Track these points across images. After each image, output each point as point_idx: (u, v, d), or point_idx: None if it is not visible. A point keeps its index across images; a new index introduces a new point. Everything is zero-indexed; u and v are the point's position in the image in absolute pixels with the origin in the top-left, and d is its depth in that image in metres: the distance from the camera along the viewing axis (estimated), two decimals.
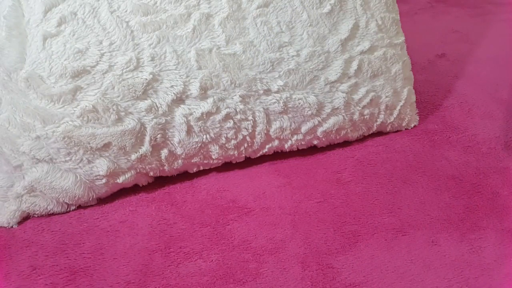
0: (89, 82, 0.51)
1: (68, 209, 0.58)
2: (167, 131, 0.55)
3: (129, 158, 0.55)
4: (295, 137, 0.62)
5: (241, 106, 0.57)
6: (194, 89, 0.54)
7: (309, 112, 0.60)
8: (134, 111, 0.53)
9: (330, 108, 0.61)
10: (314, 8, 0.58)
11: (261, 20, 0.56)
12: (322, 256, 0.51)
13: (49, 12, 0.50)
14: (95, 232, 0.55)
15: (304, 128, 0.62)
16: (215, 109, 0.55)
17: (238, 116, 0.57)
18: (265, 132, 0.60)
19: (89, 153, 0.53)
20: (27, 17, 0.50)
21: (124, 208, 0.58)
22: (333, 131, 0.64)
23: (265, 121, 0.59)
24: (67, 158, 0.53)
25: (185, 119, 0.55)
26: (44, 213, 0.57)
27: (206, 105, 0.55)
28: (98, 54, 0.51)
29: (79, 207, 0.59)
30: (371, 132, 0.69)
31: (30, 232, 0.55)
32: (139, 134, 0.54)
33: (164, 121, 0.54)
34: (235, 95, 0.56)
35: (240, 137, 0.59)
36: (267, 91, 0.57)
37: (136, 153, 0.55)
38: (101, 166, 0.54)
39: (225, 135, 0.58)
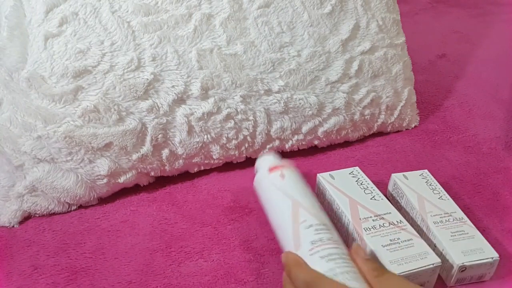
0: (90, 82, 0.51)
1: (69, 209, 0.58)
2: (168, 131, 0.55)
3: (130, 158, 0.55)
4: (295, 137, 0.63)
5: (242, 106, 0.57)
6: (195, 89, 0.54)
7: (310, 112, 0.60)
8: (135, 111, 0.53)
9: (331, 108, 0.61)
10: (315, 8, 0.58)
11: (262, 20, 0.56)
12: None
13: (51, 12, 0.50)
14: (96, 231, 0.55)
15: (304, 128, 0.62)
16: (216, 109, 0.56)
17: (239, 116, 0.57)
18: (266, 132, 0.60)
19: (90, 153, 0.53)
20: (29, 17, 0.50)
21: (125, 208, 0.58)
22: (334, 131, 0.64)
23: (266, 121, 0.59)
24: (68, 158, 0.53)
25: (186, 119, 0.55)
26: (45, 212, 0.57)
27: (207, 105, 0.55)
28: (100, 54, 0.51)
29: (80, 206, 0.59)
30: (371, 132, 0.69)
31: (31, 231, 0.55)
32: (140, 134, 0.54)
33: (165, 121, 0.54)
34: (236, 95, 0.56)
35: (241, 137, 0.59)
36: (268, 91, 0.57)
37: (137, 153, 0.55)
38: (102, 166, 0.54)
39: (226, 135, 0.58)
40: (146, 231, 0.55)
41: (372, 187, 0.53)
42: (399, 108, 0.68)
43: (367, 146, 0.68)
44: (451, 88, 0.82)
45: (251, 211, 0.57)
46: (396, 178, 0.56)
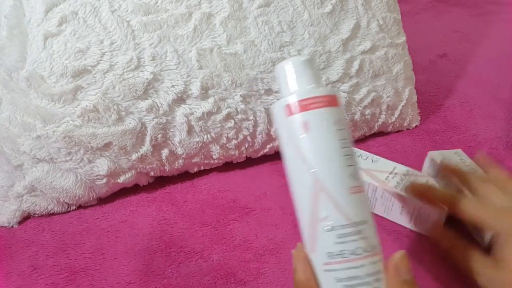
0: (90, 81, 0.51)
1: (69, 209, 0.58)
2: (168, 131, 0.55)
3: (129, 158, 0.55)
4: None
5: (242, 106, 0.56)
6: (195, 88, 0.54)
7: None
8: (135, 111, 0.53)
9: None
10: (316, 7, 0.58)
11: (262, 19, 0.56)
12: None
13: (50, 11, 0.50)
14: (96, 232, 0.55)
15: None
16: (216, 108, 0.55)
17: (239, 116, 0.57)
18: (266, 132, 0.60)
19: (89, 153, 0.53)
20: (28, 17, 0.50)
21: (124, 208, 0.58)
22: None
23: (266, 121, 0.59)
24: (68, 158, 0.53)
25: (186, 119, 0.55)
26: (44, 212, 0.57)
27: (207, 105, 0.55)
28: (99, 53, 0.50)
29: (80, 207, 0.58)
30: (372, 132, 0.69)
31: (30, 232, 0.55)
32: (139, 134, 0.54)
33: (165, 120, 0.54)
34: (236, 94, 0.56)
35: (241, 137, 0.59)
36: (268, 91, 0.57)
37: (137, 152, 0.55)
38: (102, 165, 0.54)
39: (226, 135, 0.58)
40: (145, 231, 0.54)
41: (365, 153, 0.55)
42: (399, 107, 0.67)
43: (368, 146, 0.68)
44: (452, 88, 0.82)
45: (251, 211, 0.57)
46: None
